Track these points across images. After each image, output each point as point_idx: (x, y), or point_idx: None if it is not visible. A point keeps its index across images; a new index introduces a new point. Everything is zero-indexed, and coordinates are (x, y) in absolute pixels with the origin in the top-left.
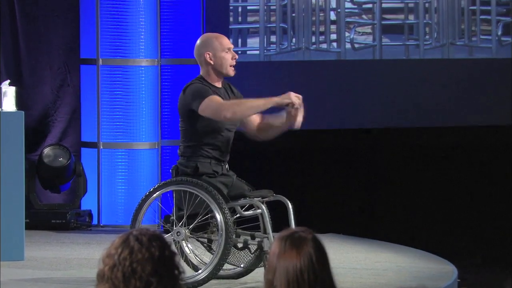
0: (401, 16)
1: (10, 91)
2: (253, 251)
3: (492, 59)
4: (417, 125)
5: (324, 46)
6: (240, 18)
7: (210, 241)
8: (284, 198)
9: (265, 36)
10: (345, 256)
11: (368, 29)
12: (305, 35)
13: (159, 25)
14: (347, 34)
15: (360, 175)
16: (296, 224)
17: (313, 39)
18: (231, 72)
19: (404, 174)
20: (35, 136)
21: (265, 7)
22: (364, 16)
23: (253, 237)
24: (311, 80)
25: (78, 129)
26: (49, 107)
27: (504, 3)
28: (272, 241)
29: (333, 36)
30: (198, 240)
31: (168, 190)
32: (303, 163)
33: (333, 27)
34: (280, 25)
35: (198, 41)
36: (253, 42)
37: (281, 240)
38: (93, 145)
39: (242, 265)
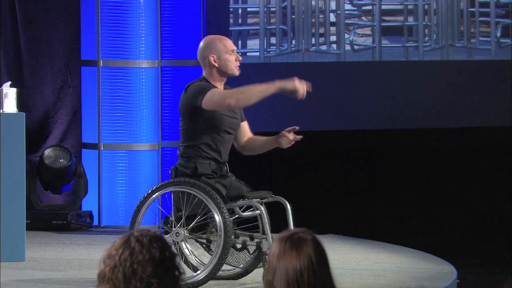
0: (401, 18)
1: (11, 93)
2: (251, 251)
3: (491, 60)
4: (417, 127)
5: (323, 47)
6: (240, 20)
7: (209, 241)
8: (283, 199)
9: (265, 38)
10: (345, 256)
11: (367, 31)
12: (305, 37)
13: (160, 27)
14: (346, 35)
15: (360, 176)
16: (295, 225)
17: (313, 41)
18: (237, 71)
19: (403, 175)
20: (36, 137)
21: (265, 9)
22: (363, 18)
23: (251, 238)
24: (310, 82)
25: (79, 131)
26: (50, 109)
27: (503, 5)
28: (270, 242)
29: (333, 38)
30: (197, 241)
31: (167, 191)
32: (302, 164)
33: (332, 29)
34: (280, 27)
35: (201, 43)
36: (253, 43)
37: (281, 241)
38: (93, 146)
39: (241, 266)
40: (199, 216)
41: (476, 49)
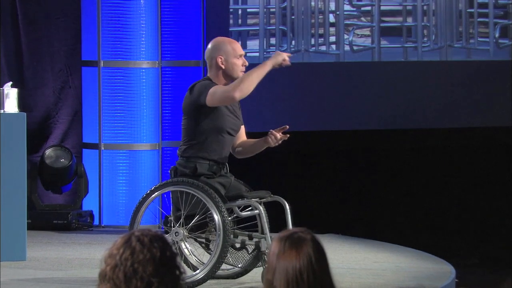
0: (400, 19)
1: (12, 93)
2: (250, 251)
3: (489, 61)
4: (416, 127)
5: (323, 48)
6: (240, 21)
7: (208, 241)
8: (282, 199)
9: (264, 39)
10: (344, 256)
11: (366, 31)
12: (304, 37)
13: (160, 27)
14: (346, 36)
15: (359, 176)
16: (294, 224)
17: (312, 41)
18: (241, 76)
19: (402, 175)
20: (37, 137)
21: (265, 9)
22: (362, 19)
23: (250, 238)
24: (310, 82)
25: (80, 131)
26: (51, 109)
27: (501, 6)
28: (269, 242)
29: (332, 39)
30: (197, 241)
31: (167, 191)
32: (301, 164)
33: (332, 29)
34: (280, 27)
35: (210, 44)
36: (253, 44)
37: (280, 241)
38: (94, 146)
39: (240, 265)
40: (198, 216)
41: (475, 50)
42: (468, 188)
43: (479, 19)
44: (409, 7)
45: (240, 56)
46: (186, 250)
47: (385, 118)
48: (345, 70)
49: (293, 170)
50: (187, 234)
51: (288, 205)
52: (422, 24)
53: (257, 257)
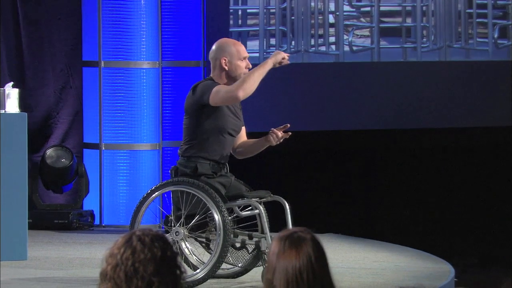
0: (399, 19)
1: (13, 93)
2: (250, 250)
3: (488, 61)
4: (415, 127)
5: (323, 48)
6: (240, 21)
7: (208, 240)
8: (282, 198)
9: (264, 39)
10: (344, 255)
11: (366, 31)
12: (304, 38)
13: (160, 28)
14: (345, 36)
15: (358, 176)
16: (294, 224)
17: (312, 42)
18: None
19: (402, 175)
20: (38, 137)
21: (265, 10)
22: (362, 19)
23: (250, 237)
24: (310, 82)
25: (80, 131)
26: (52, 109)
27: (500, 6)
28: (269, 241)
29: (332, 39)
30: (197, 240)
31: (167, 190)
32: (301, 164)
33: (331, 30)
34: (280, 28)
35: (215, 45)
36: (253, 44)
37: (280, 240)
38: (95, 146)
39: (240, 265)
40: (198, 215)
41: (474, 50)
42: (468, 188)
43: (478, 20)
44: (408, 8)
45: (244, 58)
46: (186, 250)
47: (385, 118)
48: (344, 71)
49: (293, 170)
50: (187, 233)
51: (288, 205)
52: (421, 24)
53: (257, 256)
